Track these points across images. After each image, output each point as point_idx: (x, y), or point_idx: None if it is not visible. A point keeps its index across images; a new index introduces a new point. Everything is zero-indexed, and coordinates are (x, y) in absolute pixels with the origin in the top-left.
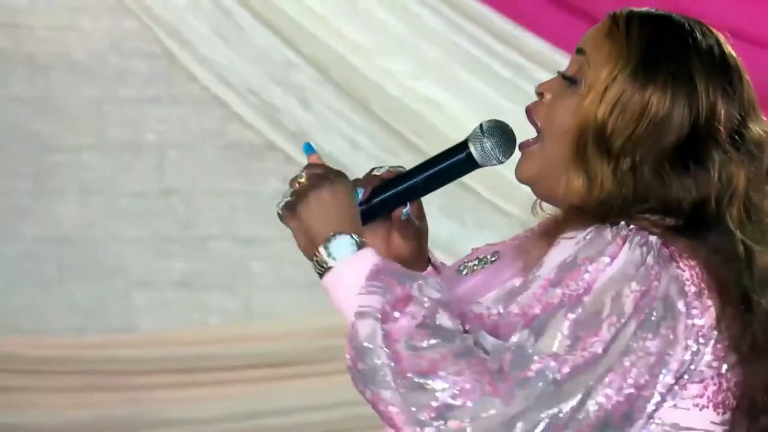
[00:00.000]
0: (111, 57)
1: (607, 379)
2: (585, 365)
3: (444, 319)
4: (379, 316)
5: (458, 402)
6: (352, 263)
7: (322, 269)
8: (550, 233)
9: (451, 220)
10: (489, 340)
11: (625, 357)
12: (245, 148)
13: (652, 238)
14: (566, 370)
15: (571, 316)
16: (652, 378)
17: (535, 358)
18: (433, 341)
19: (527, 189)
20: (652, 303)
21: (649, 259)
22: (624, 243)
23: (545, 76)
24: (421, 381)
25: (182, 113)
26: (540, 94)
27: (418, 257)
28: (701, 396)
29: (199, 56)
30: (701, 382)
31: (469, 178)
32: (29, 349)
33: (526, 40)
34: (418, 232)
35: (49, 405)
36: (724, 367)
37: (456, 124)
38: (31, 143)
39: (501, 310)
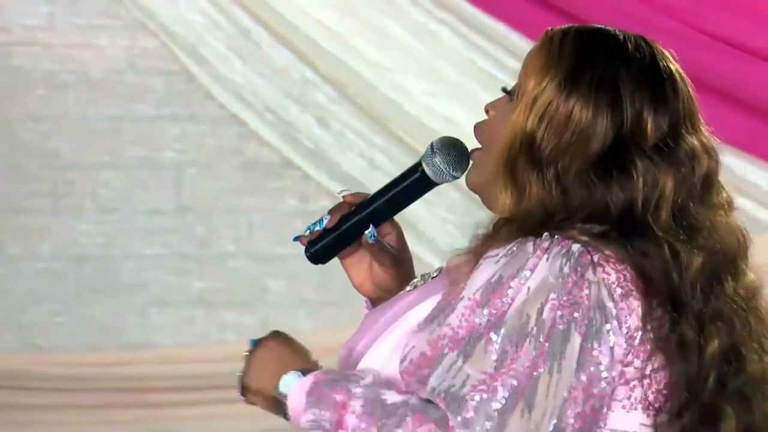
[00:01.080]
0: (128, 75)
1: (571, 397)
2: (523, 382)
3: (388, 396)
4: (327, 426)
5: None
6: (297, 388)
7: (284, 410)
8: (477, 248)
9: (467, 236)
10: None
11: (581, 372)
12: (263, 166)
13: (574, 247)
14: (502, 394)
15: (495, 335)
16: (607, 385)
17: (467, 398)
18: (380, 423)
19: None
20: (588, 313)
21: (566, 269)
22: (544, 254)
23: None
24: None
25: (200, 131)
26: (487, 112)
27: (402, 287)
28: (628, 398)
29: (216, 74)
30: (627, 383)
31: None
32: (47, 366)
33: None
34: (394, 259)
35: (67, 422)
36: (649, 367)
37: (473, 142)
38: (48, 161)
39: (427, 336)
